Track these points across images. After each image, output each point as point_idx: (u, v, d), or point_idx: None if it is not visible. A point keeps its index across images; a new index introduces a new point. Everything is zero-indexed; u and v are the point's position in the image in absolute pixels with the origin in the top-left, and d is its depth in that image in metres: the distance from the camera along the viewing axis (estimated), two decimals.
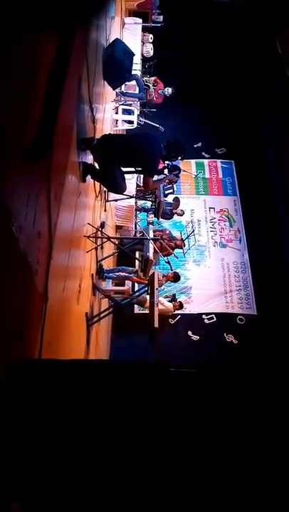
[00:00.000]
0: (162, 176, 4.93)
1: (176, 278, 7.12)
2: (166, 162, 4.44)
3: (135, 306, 7.45)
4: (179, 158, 4.42)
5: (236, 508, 1.45)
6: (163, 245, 6.71)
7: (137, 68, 7.68)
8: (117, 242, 6.20)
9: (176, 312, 7.57)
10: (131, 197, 7.16)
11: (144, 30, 9.00)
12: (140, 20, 8.77)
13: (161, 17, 9.26)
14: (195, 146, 10.31)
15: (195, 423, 1.53)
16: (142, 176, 5.16)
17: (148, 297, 5.46)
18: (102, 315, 4.98)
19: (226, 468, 1.47)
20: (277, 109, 9.25)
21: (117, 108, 7.43)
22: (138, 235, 7.44)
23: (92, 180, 4.25)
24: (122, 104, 7.48)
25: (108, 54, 5.18)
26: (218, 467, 1.47)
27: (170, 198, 8.55)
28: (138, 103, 7.82)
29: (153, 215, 7.90)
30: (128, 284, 6.75)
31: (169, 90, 8.65)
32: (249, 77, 9.97)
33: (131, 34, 8.33)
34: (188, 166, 9.88)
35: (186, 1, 9.33)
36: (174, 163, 4.49)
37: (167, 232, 8.23)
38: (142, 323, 6.49)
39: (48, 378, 1.69)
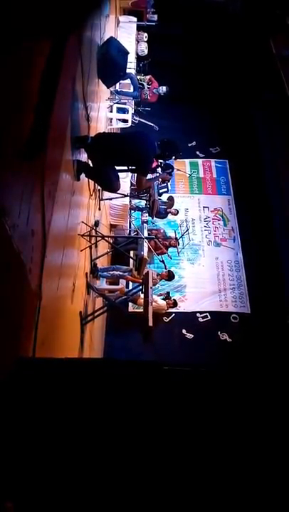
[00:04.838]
0: (155, 175, 4.93)
1: (170, 277, 7.13)
2: (160, 161, 4.44)
3: (130, 304, 7.46)
4: (173, 157, 4.41)
5: (231, 506, 1.46)
6: (157, 244, 6.72)
7: (131, 67, 7.67)
8: (111, 241, 6.19)
9: (170, 310, 7.58)
10: (125, 196, 7.16)
11: (139, 28, 9.00)
12: (135, 19, 8.76)
13: (156, 16, 9.26)
14: (189, 145, 10.32)
15: (189, 421, 1.54)
16: (135, 174, 5.15)
17: (142, 295, 5.46)
18: (96, 314, 4.97)
19: (222, 465, 1.47)
20: (271, 109, 9.30)
21: (111, 106, 7.42)
22: (132, 234, 7.43)
23: (87, 179, 4.24)
24: (117, 103, 7.47)
25: (103, 52, 5.17)
26: (214, 464, 1.47)
27: (164, 197, 8.56)
28: (132, 102, 7.82)
29: (147, 214, 7.90)
30: (122, 282, 6.75)
31: (163, 89, 8.64)
32: (244, 77, 9.99)
33: (125, 32, 8.31)
34: (183, 166, 9.88)
35: (181, 0, 9.35)
36: (167, 161, 4.48)
37: (162, 231, 8.25)
38: (136, 321, 6.49)
39: (41, 377, 1.69)
